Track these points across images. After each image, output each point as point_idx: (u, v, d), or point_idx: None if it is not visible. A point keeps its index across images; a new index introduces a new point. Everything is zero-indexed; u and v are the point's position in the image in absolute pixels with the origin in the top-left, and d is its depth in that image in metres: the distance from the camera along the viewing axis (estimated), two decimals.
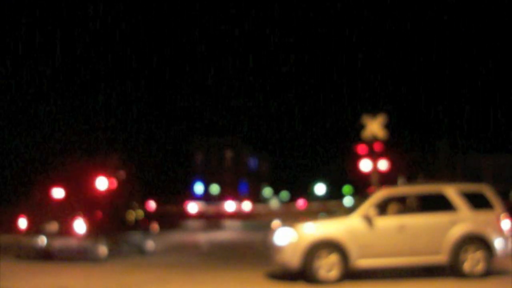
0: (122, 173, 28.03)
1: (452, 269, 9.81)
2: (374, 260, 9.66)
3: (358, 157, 19.01)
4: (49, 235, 13.38)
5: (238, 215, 45.34)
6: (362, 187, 21.64)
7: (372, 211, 9.81)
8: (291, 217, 24.50)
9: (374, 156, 18.47)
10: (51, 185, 23.24)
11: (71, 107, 37.23)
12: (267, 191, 71.12)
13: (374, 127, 18.35)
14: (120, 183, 26.95)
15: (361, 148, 18.80)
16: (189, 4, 68.35)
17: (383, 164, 18.52)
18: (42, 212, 14.44)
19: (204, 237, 25.00)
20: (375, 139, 18.41)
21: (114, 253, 14.09)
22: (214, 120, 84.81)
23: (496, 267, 10.03)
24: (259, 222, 36.39)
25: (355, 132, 19.59)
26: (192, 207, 43.40)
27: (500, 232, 9.85)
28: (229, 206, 47.71)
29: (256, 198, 63.22)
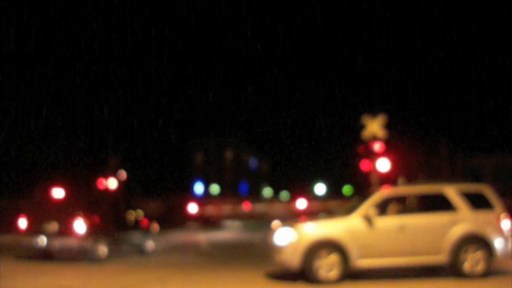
0: (122, 173, 28.03)
1: (452, 269, 9.81)
2: (374, 260, 9.66)
3: (358, 157, 19.04)
4: (49, 235, 13.37)
5: (238, 215, 45.31)
6: (362, 187, 21.64)
7: (372, 211, 9.81)
8: (291, 217, 24.49)
9: (374, 156, 18.50)
10: (51, 185, 23.28)
11: (71, 107, 37.27)
12: (267, 191, 71.09)
13: (374, 127, 18.38)
14: (120, 183, 26.96)
15: (361, 148, 18.84)
16: (188, 4, 68.39)
17: (383, 164, 18.54)
18: (42, 212, 14.44)
19: (204, 237, 25.00)
20: (375, 139, 18.43)
21: (114, 253, 14.10)
22: (214, 120, 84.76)
23: (496, 267, 10.03)
24: (259, 222, 36.38)
25: (355, 132, 19.63)
26: (192, 207, 43.37)
27: (500, 232, 9.85)
28: None
29: (256, 198, 63.16)
